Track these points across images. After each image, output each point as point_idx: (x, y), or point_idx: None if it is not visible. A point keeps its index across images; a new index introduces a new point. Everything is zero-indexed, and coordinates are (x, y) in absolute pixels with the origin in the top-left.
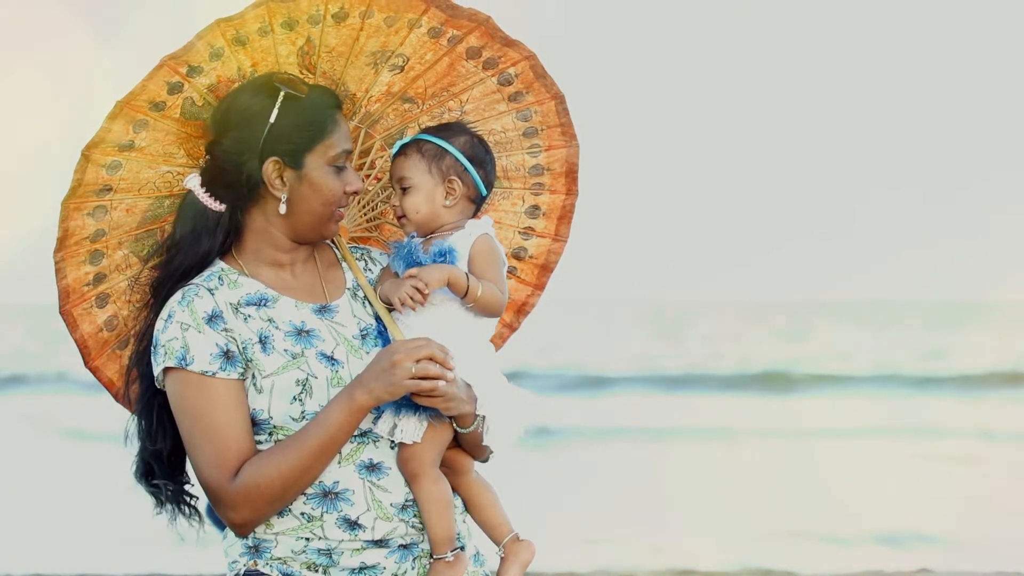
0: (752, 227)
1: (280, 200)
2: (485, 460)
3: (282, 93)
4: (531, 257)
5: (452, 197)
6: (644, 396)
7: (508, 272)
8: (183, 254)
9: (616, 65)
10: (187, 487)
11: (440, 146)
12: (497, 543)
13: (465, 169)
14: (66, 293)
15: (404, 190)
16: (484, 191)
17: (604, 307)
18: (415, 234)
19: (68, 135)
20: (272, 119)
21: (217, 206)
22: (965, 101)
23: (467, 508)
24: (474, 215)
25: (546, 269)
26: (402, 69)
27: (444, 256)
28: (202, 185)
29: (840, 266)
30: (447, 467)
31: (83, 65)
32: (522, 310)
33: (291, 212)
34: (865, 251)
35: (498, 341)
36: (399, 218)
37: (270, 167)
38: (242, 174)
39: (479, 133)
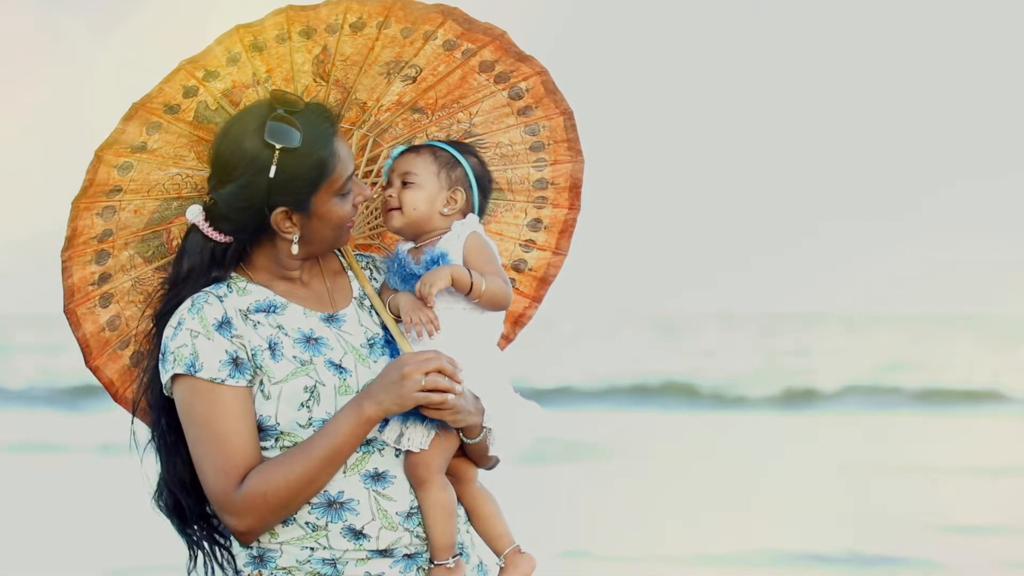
0: (742, 239)
1: (292, 241)
2: (491, 468)
3: (277, 152)
4: (530, 269)
5: (451, 206)
6: (609, 411)
7: None
8: (191, 287)
9: (625, 80)
10: (217, 526)
11: (455, 157)
12: (498, 554)
13: (470, 186)
14: (71, 292)
15: (406, 184)
16: (477, 214)
17: (584, 318)
18: (400, 246)
19: (70, 137)
20: (271, 174)
21: (223, 239)
22: (959, 115)
23: (469, 518)
24: None
25: (544, 282)
26: (414, 80)
27: (437, 263)
28: (206, 219)
29: (839, 277)
30: (451, 475)
31: (88, 66)
32: (519, 321)
33: (304, 243)
34: (849, 263)
35: None
36: (389, 210)
37: (278, 216)
38: (248, 220)
39: (486, 145)
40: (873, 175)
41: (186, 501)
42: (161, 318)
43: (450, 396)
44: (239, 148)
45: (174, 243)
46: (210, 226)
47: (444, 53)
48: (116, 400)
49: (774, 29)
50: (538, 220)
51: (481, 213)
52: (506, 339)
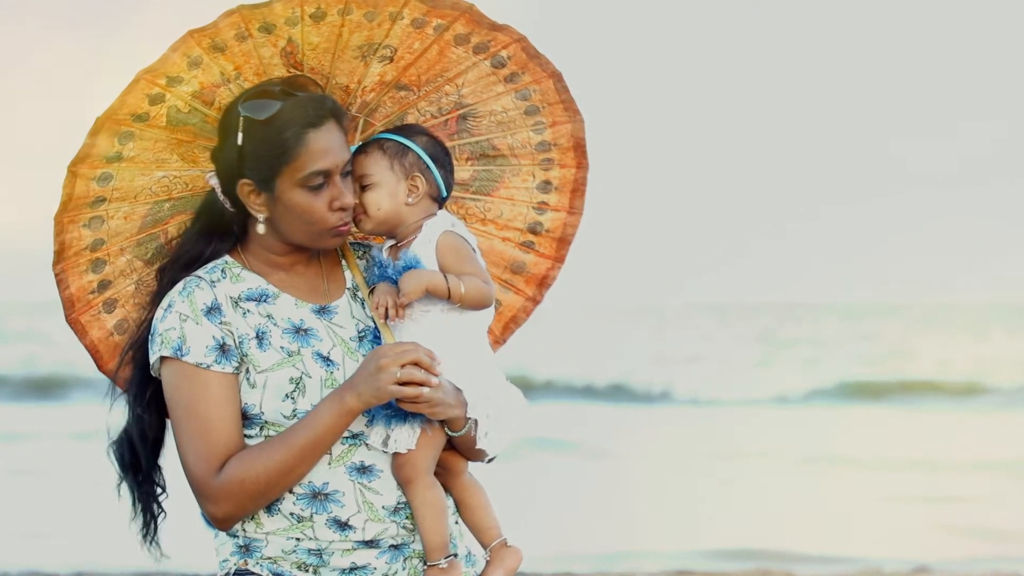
0: (719, 228)
1: (258, 220)
2: (489, 461)
3: (241, 118)
4: (547, 231)
5: (415, 195)
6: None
7: (526, 246)
8: (193, 244)
9: (597, 58)
10: (160, 495)
11: (402, 143)
12: (484, 546)
13: (427, 167)
14: (71, 302)
15: (364, 187)
16: (445, 192)
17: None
18: (380, 247)
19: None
20: (240, 142)
21: (230, 206)
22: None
23: (458, 509)
24: None
25: (564, 242)
26: (391, 59)
27: (410, 268)
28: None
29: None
30: (441, 468)
31: (81, 71)
32: (544, 283)
33: (275, 228)
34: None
35: (523, 315)
36: (357, 216)
37: (244, 188)
38: (231, 188)
39: (480, 115)
40: (838, 166)
41: (144, 455)
42: (161, 272)
43: (425, 389)
44: (229, 112)
45: (173, 243)
46: (222, 191)
47: (415, 31)
48: None
49: (762, 12)
50: (547, 182)
51: (449, 189)
52: (533, 301)
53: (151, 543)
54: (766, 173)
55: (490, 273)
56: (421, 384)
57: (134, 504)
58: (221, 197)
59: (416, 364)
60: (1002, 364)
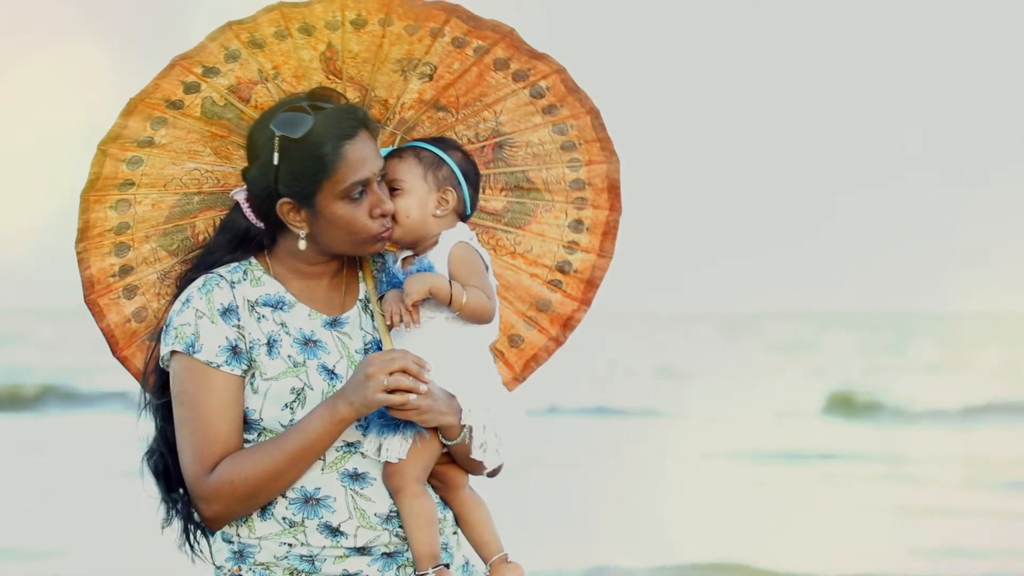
0: (718, 236)
1: (299, 237)
2: (492, 475)
3: (277, 137)
4: (576, 272)
5: (444, 208)
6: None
7: (554, 285)
8: (217, 253)
9: (598, 59)
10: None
11: (439, 156)
12: (485, 561)
13: (459, 183)
14: (90, 283)
15: (394, 191)
16: (470, 210)
17: None
18: (395, 258)
19: (80, 134)
20: (275, 162)
21: (257, 222)
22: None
23: (458, 523)
24: None
25: (591, 284)
26: (431, 77)
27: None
28: (247, 200)
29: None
30: (440, 481)
31: (97, 62)
32: (568, 324)
33: (317, 242)
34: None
35: (544, 354)
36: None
37: (284, 207)
38: (267, 207)
39: (517, 145)
40: (837, 173)
41: (173, 467)
42: (184, 282)
43: (411, 396)
44: (261, 131)
45: (200, 237)
46: (249, 208)
47: (455, 50)
48: (146, 389)
49: (775, 24)
50: (579, 221)
51: (473, 207)
52: (556, 342)
53: (190, 548)
54: (765, 177)
55: (515, 309)
56: (409, 391)
57: (168, 513)
58: (251, 216)
59: (404, 371)
60: (996, 377)
